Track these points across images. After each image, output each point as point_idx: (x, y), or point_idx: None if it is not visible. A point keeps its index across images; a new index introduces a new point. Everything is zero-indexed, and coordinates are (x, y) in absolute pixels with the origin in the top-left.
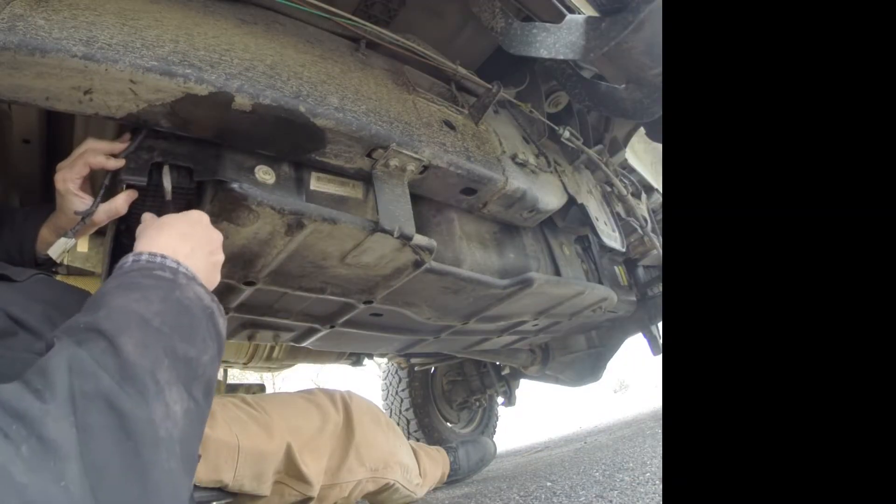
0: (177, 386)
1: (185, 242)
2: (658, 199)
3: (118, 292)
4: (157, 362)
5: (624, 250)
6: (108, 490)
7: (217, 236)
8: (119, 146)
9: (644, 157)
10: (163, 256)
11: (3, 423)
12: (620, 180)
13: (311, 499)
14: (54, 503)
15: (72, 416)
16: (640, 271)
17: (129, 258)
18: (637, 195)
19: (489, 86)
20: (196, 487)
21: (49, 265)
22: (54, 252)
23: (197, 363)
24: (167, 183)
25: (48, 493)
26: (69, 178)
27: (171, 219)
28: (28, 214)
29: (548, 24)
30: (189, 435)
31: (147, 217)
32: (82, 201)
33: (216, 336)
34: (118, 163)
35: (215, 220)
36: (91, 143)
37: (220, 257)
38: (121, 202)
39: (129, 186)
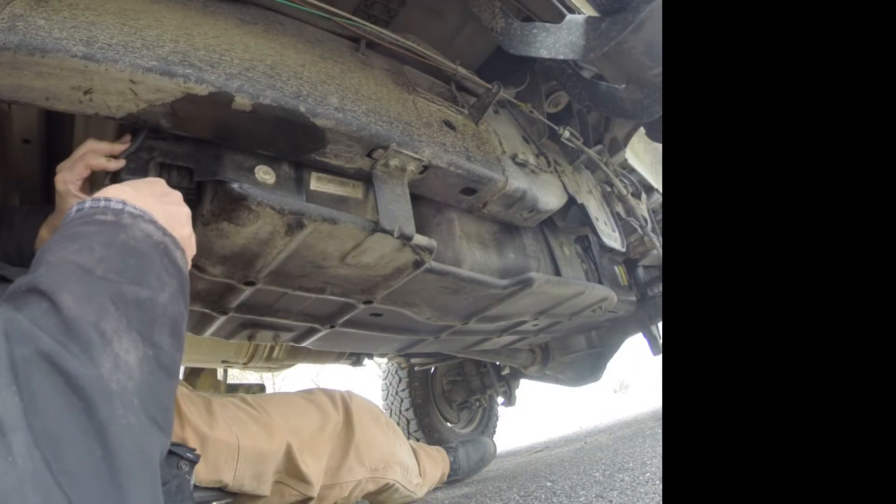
0: (128, 333)
1: (135, 189)
2: (658, 199)
3: (58, 245)
4: (102, 312)
5: (624, 250)
6: (66, 456)
7: (174, 193)
8: (119, 147)
9: (644, 157)
10: (106, 199)
11: None
12: (620, 180)
13: (311, 498)
14: (4, 482)
15: (13, 384)
16: (640, 271)
17: (73, 208)
18: (637, 195)
19: (489, 86)
20: (196, 487)
21: None
22: None
23: (153, 304)
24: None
25: None
26: (69, 180)
27: (137, 180)
28: (27, 215)
29: (548, 24)
30: (151, 384)
31: None
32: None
33: (175, 271)
34: (118, 164)
35: (215, 220)
36: (91, 145)
37: (180, 208)
38: None
39: None
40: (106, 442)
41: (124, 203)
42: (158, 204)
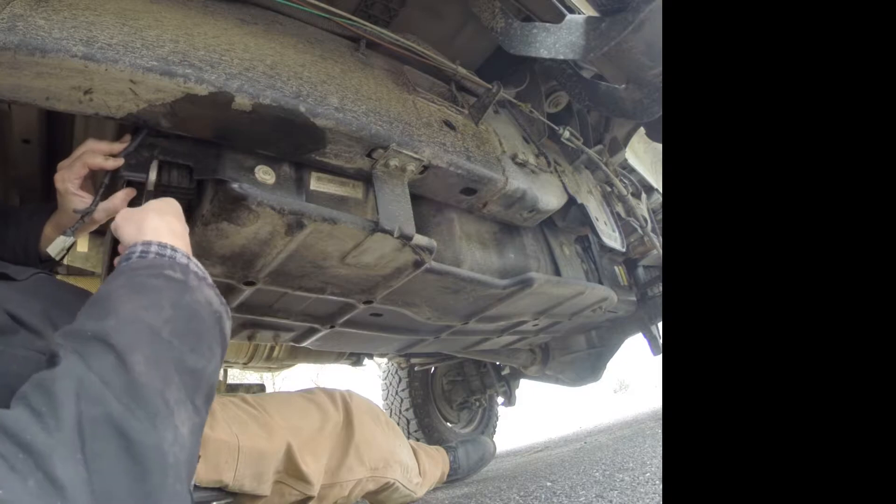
0: (185, 405)
1: (184, 231)
2: (658, 199)
3: (126, 295)
4: (168, 381)
5: (624, 250)
6: None
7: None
8: (119, 147)
9: (644, 157)
10: (173, 249)
11: (8, 454)
12: (620, 180)
13: (311, 498)
14: None
15: (79, 451)
16: (640, 271)
17: (137, 250)
18: (637, 195)
19: (489, 86)
20: (196, 487)
21: (51, 264)
22: (53, 250)
23: (203, 373)
24: (153, 176)
25: None
26: (68, 178)
27: (157, 203)
28: (33, 212)
29: (548, 24)
30: (194, 452)
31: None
32: (82, 200)
33: (222, 341)
34: (117, 162)
35: (215, 220)
36: (91, 144)
37: (175, 205)
38: (119, 200)
39: (128, 183)
40: None
41: (188, 258)
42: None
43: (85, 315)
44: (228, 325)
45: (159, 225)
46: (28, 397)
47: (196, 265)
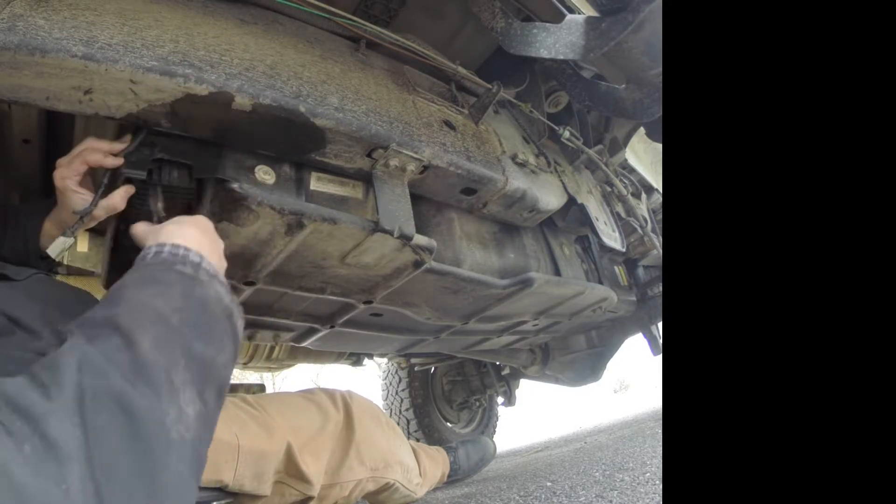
0: (191, 387)
1: (205, 238)
2: (658, 199)
3: (137, 286)
4: (174, 361)
5: (624, 250)
6: (114, 492)
7: (221, 244)
8: (119, 146)
9: (644, 157)
10: (186, 249)
11: (6, 419)
12: (620, 180)
13: (311, 498)
14: None
15: (77, 415)
16: (640, 271)
17: (152, 250)
18: (637, 195)
19: (489, 86)
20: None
21: (51, 262)
22: (53, 251)
23: (212, 364)
24: (159, 205)
25: (48, 494)
26: (67, 176)
27: (188, 217)
28: (32, 210)
29: (548, 24)
30: (200, 439)
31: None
32: (81, 198)
33: (233, 337)
34: (116, 161)
35: (215, 220)
36: (91, 142)
37: (224, 264)
38: (118, 198)
39: (128, 180)
40: (153, 488)
41: (201, 258)
42: (219, 263)
43: (98, 306)
44: (240, 324)
45: (175, 230)
46: (33, 370)
47: (209, 264)
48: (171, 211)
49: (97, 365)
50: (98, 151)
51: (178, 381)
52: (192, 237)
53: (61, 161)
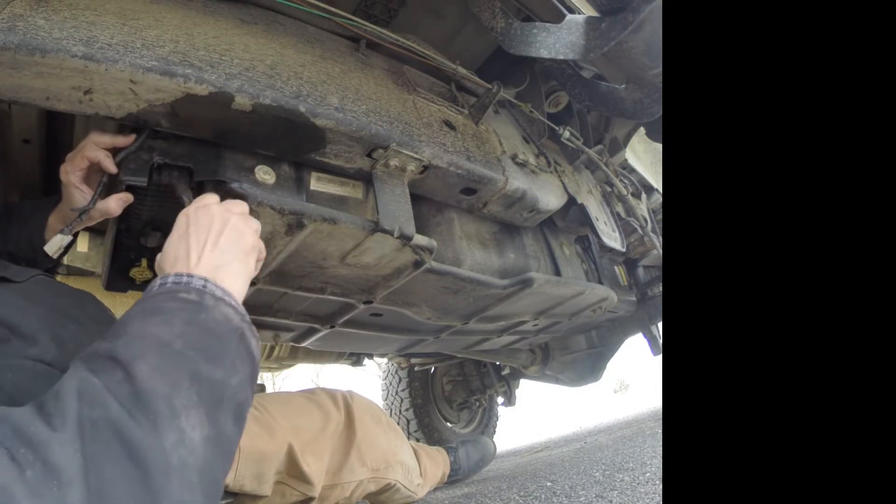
0: (197, 410)
1: (213, 248)
2: (658, 199)
3: (139, 318)
4: (175, 386)
5: (624, 250)
6: None
7: (244, 224)
8: (122, 140)
9: (644, 157)
10: (189, 276)
11: (12, 446)
12: (620, 180)
13: (312, 499)
14: None
15: (78, 442)
16: (640, 271)
17: (157, 282)
18: (637, 195)
19: (489, 86)
20: None
21: (51, 262)
22: (51, 248)
23: (224, 386)
24: (183, 194)
25: None
26: (70, 171)
27: (193, 220)
28: (37, 207)
29: (548, 24)
30: (211, 463)
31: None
32: (82, 195)
33: (248, 358)
34: (112, 168)
35: None
36: (94, 137)
37: (251, 243)
38: (113, 203)
39: (128, 187)
40: None
41: (206, 281)
42: (236, 263)
43: (102, 339)
44: (255, 344)
45: (192, 252)
46: (40, 400)
47: (215, 286)
48: (173, 210)
49: (96, 395)
50: (100, 146)
51: (179, 406)
52: (193, 256)
53: (69, 155)
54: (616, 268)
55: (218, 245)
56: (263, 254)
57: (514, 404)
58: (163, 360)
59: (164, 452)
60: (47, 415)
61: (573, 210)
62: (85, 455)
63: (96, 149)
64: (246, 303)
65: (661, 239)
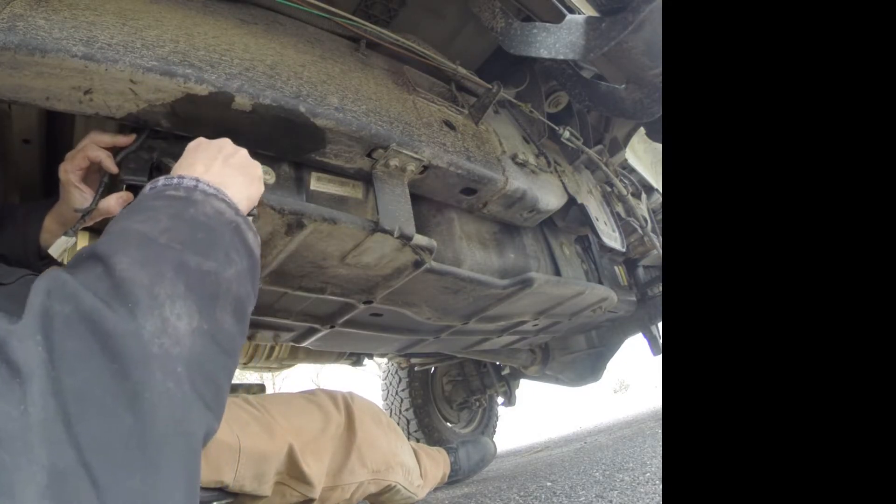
0: (184, 301)
1: (211, 161)
2: (658, 199)
3: (124, 217)
4: (158, 276)
5: (624, 250)
6: (91, 420)
7: (252, 161)
8: (123, 140)
9: (644, 157)
10: (180, 177)
11: None
12: (620, 180)
13: (312, 500)
14: (9, 427)
15: (39, 335)
16: (640, 271)
17: (148, 186)
18: (637, 195)
19: (489, 86)
20: None
21: (51, 262)
22: (55, 251)
23: (217, 278)
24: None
25: (6, 417)
26: (70, 170)
27: (204, 143)
28: (32, 209)
29: (548, 24)
30: (202, 357)
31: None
32: (82, 195)
33: (245, 250)
34: (113, 168)
35: None
36: (94, 136)
37: (258, 174)
38: (113, 203)
39: (129, 186)
40: (138, 409)
41: (197, 181)
42: (236, 176)
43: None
44: (252, 237)
45: (189, 162)
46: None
47: (207, 184)
48: None
49: (69, 290)
50: (100, 146)
51: (162, 295)
52: (188, 164)
53: (69, 154)
54: (616, 268)
55: (228, 163)
56: (258, 172)
57: (514, 404)
58: (145, 253)
59: (140, 340)
60: (10, 313)
61: (573, 210)
62: (50, 350)
63: (97, 148)
64: None
65: (661, 239)
